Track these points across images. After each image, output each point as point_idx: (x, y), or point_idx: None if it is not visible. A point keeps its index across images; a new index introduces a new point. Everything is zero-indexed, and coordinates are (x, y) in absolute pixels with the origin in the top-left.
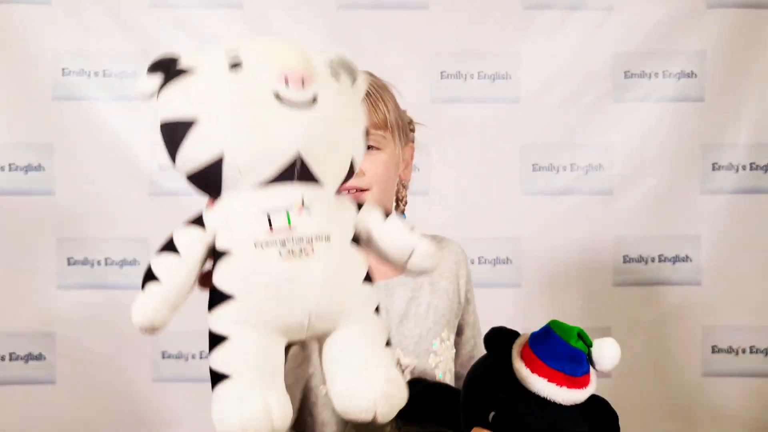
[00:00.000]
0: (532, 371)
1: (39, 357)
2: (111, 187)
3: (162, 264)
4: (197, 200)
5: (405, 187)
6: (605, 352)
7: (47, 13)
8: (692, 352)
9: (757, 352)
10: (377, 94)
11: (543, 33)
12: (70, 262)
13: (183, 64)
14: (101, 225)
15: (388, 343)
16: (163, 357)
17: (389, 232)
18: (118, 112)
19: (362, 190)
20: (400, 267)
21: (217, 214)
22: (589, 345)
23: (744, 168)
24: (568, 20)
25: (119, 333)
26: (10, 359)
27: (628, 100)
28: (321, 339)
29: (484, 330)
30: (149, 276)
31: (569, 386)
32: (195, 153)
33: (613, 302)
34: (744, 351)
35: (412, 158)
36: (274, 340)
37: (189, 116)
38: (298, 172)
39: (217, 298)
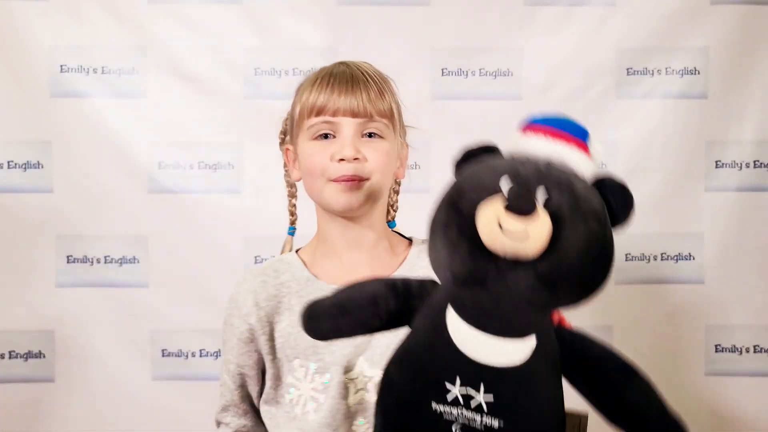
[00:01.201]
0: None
1: (38, 355)
2: (110, 184)
3: None
4: (196, 198)
5: (396, 192)
6: (596, 144)
7: (44, 9)
8: (695, 352)
9: (761, 352)
10: (383, 82)
11: (545, 29)
12: (69, 260)
13: None
14: (100, 222)
15: None
16: (163, 355)
17: None
18: (116, 108)
19: (363, 180)
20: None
21: None
22: None
23: (748, 165)
24: (570, 16)
25: (119, 331)
26: (9, 357)
27: (631, 97)
28: None
29: None
30: None
31: (577, 145)
32: None
33: (615, 300)
34: (748, 350)
35: (406, 158)
36: None
37: None
38: None
39: None
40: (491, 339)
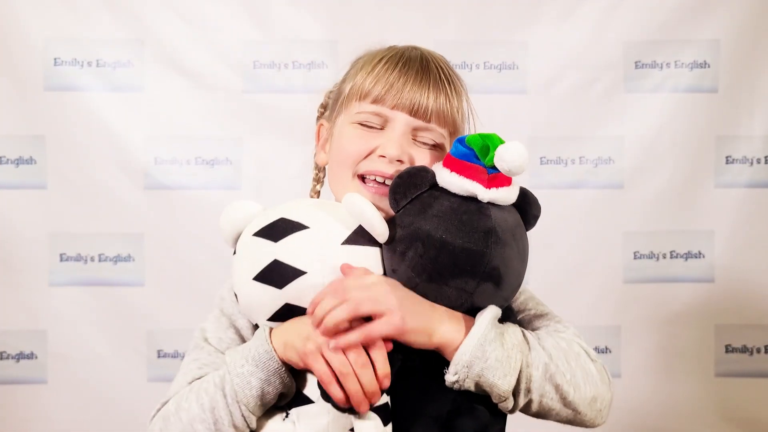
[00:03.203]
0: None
1: (30, 356)
2: (105, 180)
3: None
4: (193, 195)
5: None
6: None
7: (38, 0)
8: (705, 352)
9: None
10: (457, 84)
11: (551, 21)
12: (63, 258)
13: None
14: (95, 220)
15: None
16: (159, 356)
17: None
18: (112, 103)
19: None
20: None
21: None
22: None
23: (759, 161)
24: (577, 8)
25: (113, 331)
26: (1, 358)
27: (639, 91)
28: None
29: None
30: None
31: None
32: None
33: (623, 300)
34: (759, 350)
35: None
36: None
37: None
38: None
39: None
40: None
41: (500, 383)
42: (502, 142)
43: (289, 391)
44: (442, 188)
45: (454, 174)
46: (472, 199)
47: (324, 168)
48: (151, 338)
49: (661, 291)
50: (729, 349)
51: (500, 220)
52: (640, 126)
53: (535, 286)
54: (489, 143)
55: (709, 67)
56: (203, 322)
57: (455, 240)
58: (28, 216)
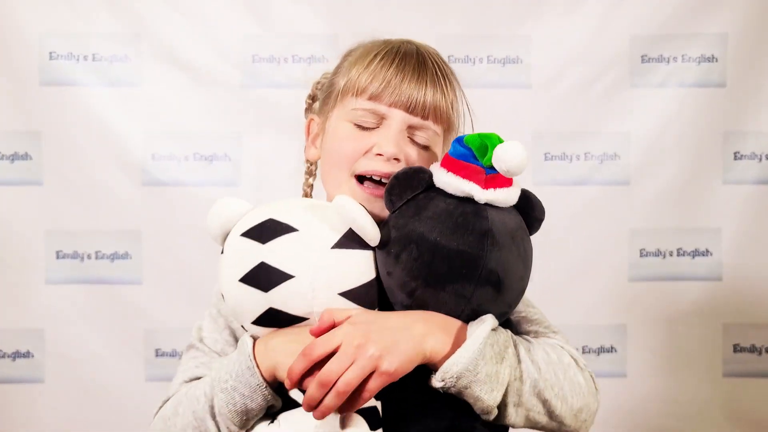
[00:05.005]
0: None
1: (27, 355)
2: (101, 176)
3: None
4: (191, 191)
5: None
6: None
7: None
8: (712, 351)
9: None
10: (452, 78)
11: (556, 14)
12: (59, 255)
13: None
14: (91, 217)
15: None
16: (157, 355)
17: None
18: (108, 98)
19: None
20: None
21: None
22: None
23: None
24: (582, 1)
25: (111, 330)
26: None
27: (646, 86)
28: None
29: None
30: None
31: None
32: None
33: (628, 298)
34: (767, 350)
35: None
36: None
37: None
38: None
39: None
40: None
41: (486, 398)
42: (501, 141)
43: (276, 403)
44: (438, 189)
45: (450, 174)
46: (470, 201)
47: (315, 162)
48: (148, 337)
49: (667, 289)
50: (737, 348)
51: (498, 222)
52: (646, 121)
53: (539, 284)
54: (487, 143)
55: (716, 61)
56: (201, 319)
57: (450, 243)
58: (23, 213)
